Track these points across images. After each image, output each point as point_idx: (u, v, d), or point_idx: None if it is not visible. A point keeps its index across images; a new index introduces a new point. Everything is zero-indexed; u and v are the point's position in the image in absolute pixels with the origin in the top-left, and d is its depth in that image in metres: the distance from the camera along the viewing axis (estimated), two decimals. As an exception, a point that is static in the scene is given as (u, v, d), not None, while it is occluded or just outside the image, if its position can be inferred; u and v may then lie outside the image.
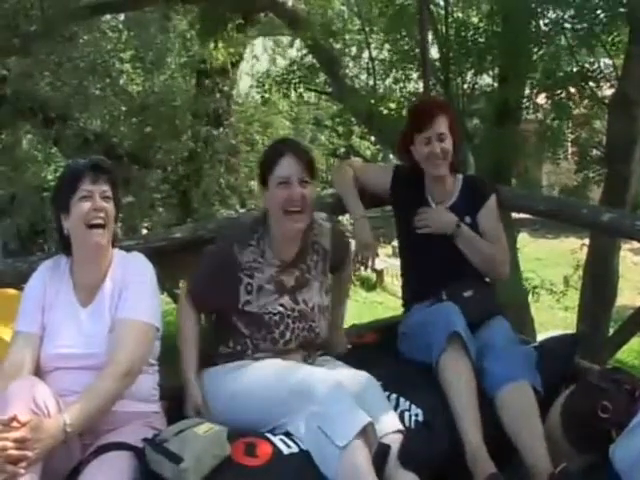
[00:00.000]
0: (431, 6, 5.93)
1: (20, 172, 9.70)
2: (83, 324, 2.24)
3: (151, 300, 2.29)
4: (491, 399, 2.44)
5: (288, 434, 2.16)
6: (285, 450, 2.10)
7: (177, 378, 2.64)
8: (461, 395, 2.38)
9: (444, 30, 6.04)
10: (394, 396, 2.41)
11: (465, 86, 6.28)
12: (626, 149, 5.41)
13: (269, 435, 2.16)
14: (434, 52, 6.31)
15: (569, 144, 7.09)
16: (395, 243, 3.11)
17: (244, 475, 2.02)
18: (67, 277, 2.30)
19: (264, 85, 8.77)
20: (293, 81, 8.23)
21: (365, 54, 7.69)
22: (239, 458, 2.05)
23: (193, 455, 1.96)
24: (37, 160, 10.02)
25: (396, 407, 2.37)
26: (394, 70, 7.19)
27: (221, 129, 9.72)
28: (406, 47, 6.58)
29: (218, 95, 9.57)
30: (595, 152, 6.62)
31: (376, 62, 7.40)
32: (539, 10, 5.66)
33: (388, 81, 7.34)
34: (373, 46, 7.57)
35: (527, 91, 6.12)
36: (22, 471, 1.86)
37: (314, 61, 7.82)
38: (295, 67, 8.36)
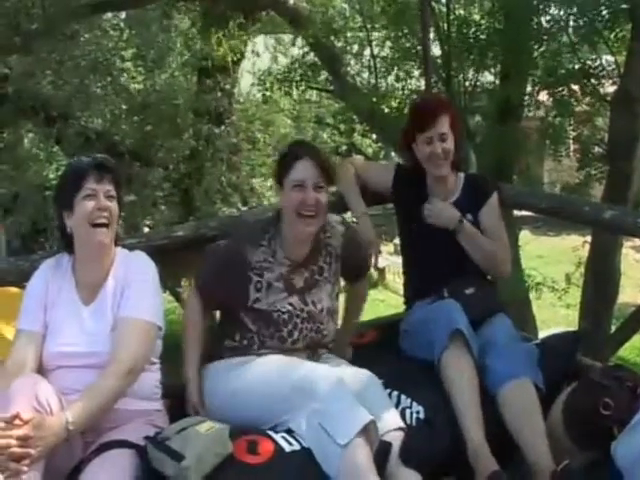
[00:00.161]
0: (433, 3, 5.92)
1: (22, 171, 9.69)
2: (85, 322, 2.24)
3: (153, 299, 2.29)
4: (493, 396, 2.44)
5: (290, 431, 2.17)
6: (287, 448, 2.10)
7: (179, 376, 2.65)
8: (463, 393, 2.38)
9: (446, 27, 6.03)
10: (395, 393, 2.42)
11: (467, 83, 6.27)
12: (628, 146, 5.41)
13: (271, 433, 2.16)
14: (436, 49, 6.30)
15: (571, 141, 7.08)
16: (397, 241, 3.12)
17: (246, 473, 2.03)
18: (69, 275, 2.31)
19: (265, 83, 8.76)
20: (295, 79, 8.23)
21: (367, 52, 7.67)
22: (241, 456, 2.05)
23: (195, 453, 1.96)
24: (39, 159, 10.01)
25: (397, 405, 2.38)
26: (396, 68, 7.18)
27: (222, 127, 9.71)
28: (408, 45, 6.57)
29: (219, 93, 9.55)
30: (597, 149, 6.62)
31: (378, 60, 7.38)
32: (541, 7, 5.65)
33: (390, 79, 7.32)
34: (375, 44, 7.56)
35: (529, 88, 6.11)
36: (25, 469, 1.86)
37: (315, 59, 7.81)
38: (297, 65, 8.35)
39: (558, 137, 6.39)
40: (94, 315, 2.25)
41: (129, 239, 2.83)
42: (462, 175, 2.94)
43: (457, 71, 6.15)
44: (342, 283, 2.67)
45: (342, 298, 2.73)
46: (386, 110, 6.86)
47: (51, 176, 9.56)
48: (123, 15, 9.61)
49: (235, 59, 8.94)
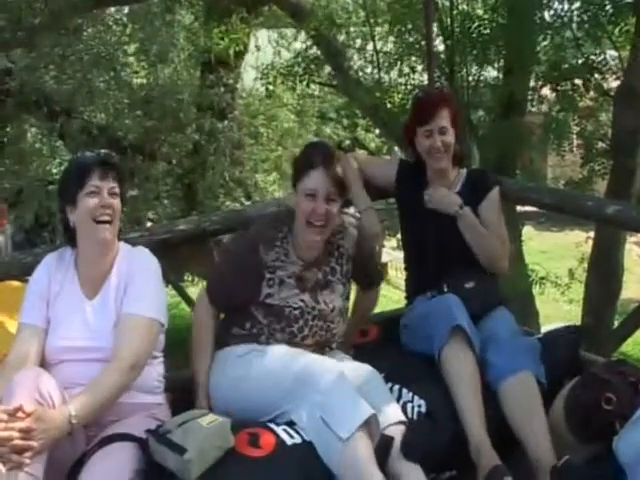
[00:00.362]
0: (436, -2, 5.92)
1: (25, 165, 9.70)
2: (88, 317, 2.24)
3: (156, 295, 2.29)
4: (495, 392, 2.44)
5: (291, 424, 2.17)
6: (288, 441, 2.11)
7: (182, 370, 2.66)
8: (464, 388, 2.38)
9: (449, 22, 6.03)
10: (397, 387, 2.42)
11: (470, 78, 6.26)
12: (632, 142, 5.41)
13: (272, 425, 2.17)
14: (439, 44, 6.30)
15: (574, 137, 7.08)
16: (400, 236, 3.12)
17: (248, 466, 2.03)
18: (72, 270, 2.31)
19: (269, 77, 8.75)
20: (298, 73, 8.22)
21: (370, 46, 7.66)
22: (242, 449, 2.06)
23: (196, 446, 1.96)
24: (42, 153, 10.02)
25: (399, 398, 2.38)
26: (399, 63, 7.17)
27: (226, 122, 9.70)
28: (411, 39, 6.56)
29: (222, 88, 9.54)
30: (601, 145, 6.61)
31: (381, 55, 7.38)
32: (544, 1, 5.64)
33: (393, 74, 7.31)
34: (378, 38, 7.55)
35: (532, 83, 6.10)
36: (27, 461, 1.87)
37: (319, 53, 7.81)
38: (300, 59, 8.34)
39: (561, 132, 6.38)
40: (97, 310, 2.25)
41: (131, 233, 2.84)
42: (464, 171, 2.94)
43: (460, 66, 6.14)
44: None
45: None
46: (389, 105, 6.86)
47: (54, 171, 9.58)
48: (126, 10, 9.61)
49: (238, 50, 8.92)
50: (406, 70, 7.13)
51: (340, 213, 2.52)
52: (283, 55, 10.11)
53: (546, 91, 6.31)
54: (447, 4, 6.18)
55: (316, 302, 2.45)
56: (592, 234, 6.13)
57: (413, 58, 6.95)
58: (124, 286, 2.26)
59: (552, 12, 5.73)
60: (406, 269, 3.05)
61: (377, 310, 3.40)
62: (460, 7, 6.43)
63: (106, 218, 2.21)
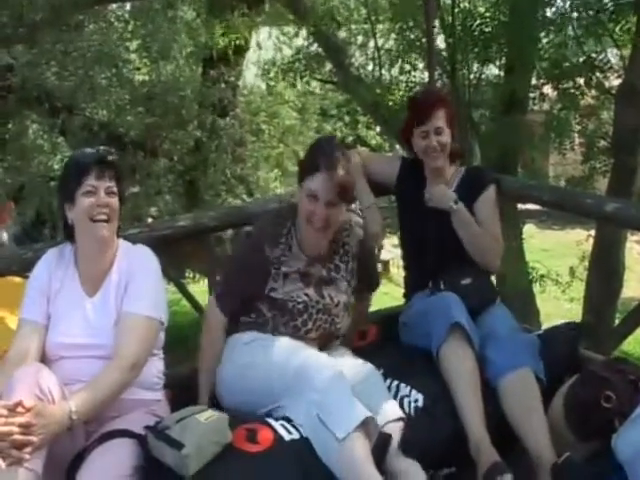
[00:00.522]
0: (437, -5, 5.91)
1: (27, 161, 9.70)
2: (88, 314, 2.25)
3: (156, 294, 2.30)
4: (494, 388, 2.44)
5: (289, 419, 2.18)
6: (286, 436, 2.11)
7: (182, 366, 2.66)
8: (463, 385, 2.38)
9: (450, 19, 6.02)
10: (395, 383, 2.43)
11: (471, 76, 6.25)
12: (633, 140, 5.40)
13: (270, 421, 2.18)
14: (441, 42, 6.29)
15: (576, 135, 7.07)
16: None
17: (245, 461, 2.04)
18: (72, 266, 2.31)
19: (269, 73, 8.74)
20: (299, 70, 8.21)
21: (371, 44, 7.66)
22: (240, 444, 2.07)
23: (194, 442, 1.97)
24: (43, 150, 10.01)
25: (396, 393, 2.39)
26: (400, 60, 7.16)
27: (227, 119, 9.70)
28: (412, 37, 6.56)
29: (223, 85, 9.54)
30: (602, 143, 6.60)
31: (382, 52, 7.37)
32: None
33: (394, 71, 7.31)
34: (379, 35, 7.54)
35: (534, 81, 6.09)
36: (27, 456, 1.88)
37: (320, 50, 7.80)
38: (300, 56, 8.33)
39: (562, 130, 6.38)
40: (97, 307, 2.26)
41: (131, 229, 2.84)
42: (462, 168, 2.95)
43: (462, 64, 6.13)
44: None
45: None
46: (390, 102, 6.85)
47: (56, 167, 9.56)
48: (128, 6, 9.60)
49: (239, 47, 8.91)
50: (407, 67, 7.12)
51: (347, 211, 2.52)
52: (285, 52, 10.10)
53: (548, 89, 6.29)
54: (449, 1, 6.16)
55: (321, 297, 2.45)
56: (593, 232, 6.13)
57: (414, 55, 6.94)
58: (124, 284, 2.26)
59: (554, 9, 5.73)
60: (404, 267, 3.05)
61: (377, 307, 3.42)
62: (462, 5, 6.42)
63: (103, 217, 2.21)
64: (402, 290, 3.05)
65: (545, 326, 4.67)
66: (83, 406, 2.00)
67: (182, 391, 2.44)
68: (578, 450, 2.26)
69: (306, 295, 2.43)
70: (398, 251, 3.01)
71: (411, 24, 6.40)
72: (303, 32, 8.37)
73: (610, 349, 5.32)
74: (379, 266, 11.44)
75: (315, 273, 2.46)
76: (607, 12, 5.30)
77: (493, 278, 3.02)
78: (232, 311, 2.48)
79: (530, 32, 5.39)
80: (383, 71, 7.26)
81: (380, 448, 2.12)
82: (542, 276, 6.67)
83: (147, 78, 9.99)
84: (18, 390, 1.95)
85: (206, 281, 3.60)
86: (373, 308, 3.39)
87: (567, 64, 5.88)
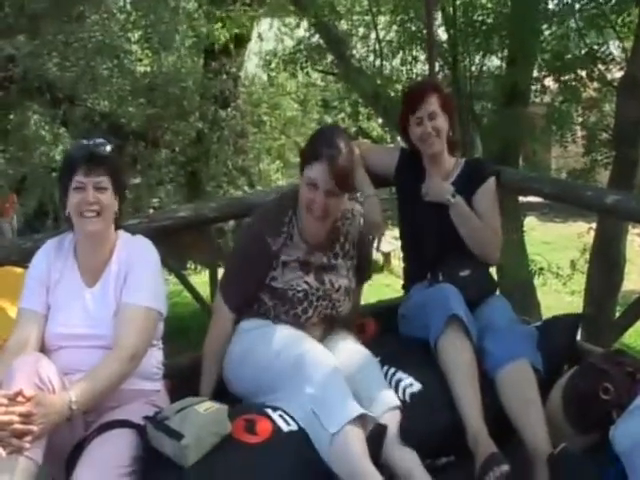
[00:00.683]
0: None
1: (29, 152, 9.72)
2: (88, 305, 2.25)
3: (155, 285, 2.30)
4: (492, 380, 2.44)
5: (287, 411, 2.18)
6: (285, 427, 2.12)
7: (182, 357, 2.67)
8: (461, 376, 2.38)
9: (452, 11, 6.00)
10: (392, 370, 2.43)
11: (473, 68, 6.24)
12: (634, 132, 5.39)
13: (269, 411, 2.18)
14: (442, 34, 6.27)
15: (578, 128, 7.06)
16: (401, 225, 3.14)
17: (244, 452, 2.04)
18: (72, 257, 2.32)
19: (270, 64, 8.73)
20: (300, 61, 8.20)
21: (373, 35, 7.64)
22: (239, 435, 2.07)
23: (194, 432, 1.98)
24: (45, 140, 10.02)
25: (391, 379, 2.40)
26: (401, 52, 7.15)
27: (229, 110, 9.70)
28: (414, 28, 6.54)
29: (225, 77, 9.53)
30: (604, 135, 6.59)
31: (383, 43, 7.35)
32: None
33: (395, 62, 7.30)
34: (380, 27, 7.53)
35: (535, 73, 6.08)
36: (27, 445, 1.88)
37: (321, 41, 7.78)
38: (302, 47, 8.32)
39: (564, 122, 6.36)
40: (97, 298, 2.26)
41: (131, 219, 2.83)
42: (462, 160, 2.94)
43: (463, 55, 6.12)
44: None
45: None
46: (391, 94, 6.84)
47: (57, 157, 9.57)
48: (129, -4, 9.60)
49: (241, 37, 8.90)
50: (408, 59, 7.11)
51: (349, 200, 2.51)
52: (286, 43, 10.09)
53: (549, 82, 6.28)
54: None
55: (321, 283, 2.46)
56: (594, 225, 6.13)
57: (416, 47, 6.92)
58: (124, 275, 2.27)
59: (555, 1, 5.71)
60: (403, 258, 3.05)
61: (378, 299, 3.42)
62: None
63: (91, 214, 2.21)
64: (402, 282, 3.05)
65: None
66: (83, 396, 2.01)
67: (182, 381, 2.45)
68: (576, 442, 2.26)
69: (306, 283, 2.43)
70: (399, 243, 3.00)
71: (412, 15, 6.37)
72: (304, 23, 8.35)
73: (611, 342, 5.33)
74: (380, 258, 11.47)
75: (315, 261, 2.46)
76: (609, 4, 5.27)
77: (493, 270, 3.02)
78: (238, 304, 2.48)
79: (532, 24, 5.38)
80: (384, 62, 7.24)
81: (375, 439, 2.12)
82: (541, 269, 6.67)
83: (149, 69, 10.00)
84: (18, 379, 1.95)
85: (207, 272, 3.60)
86: (373, 300, 3.40)
87: (569, 56, 5.86)
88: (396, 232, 3.07)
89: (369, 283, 2.84)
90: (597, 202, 3.06)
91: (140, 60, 10.09)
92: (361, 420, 2.10)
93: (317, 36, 7.80)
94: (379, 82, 6.73)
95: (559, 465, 2.17)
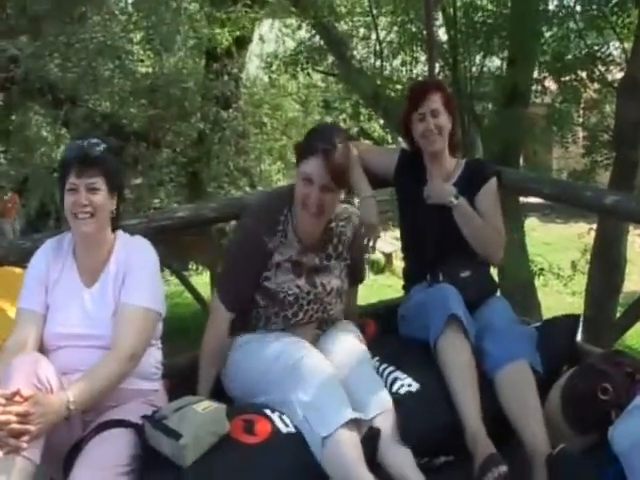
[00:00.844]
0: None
1: (30, 153, 9.73)
2: (87, 305, 2.26)
3: (153, 286, 2.30)
4: (491, 380, 2.44)
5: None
6: (283, 429, 2.12)
7: (180, 357, 2.67)
8: (460, 377, 2.38)
9: (452, 12, 6.00)
10: (390, 369, 2.43)
11: (473, 69, 6.25)
12: (634, 133, 5.39)
13: (268, 412, 2.18)
14: (443, 35, 6.28)
15: (580, 128, 7.06)
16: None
17: (242, 452, 2.05)
18: (71, 257, 2.32)
19: (272, 66, 8.74)
20: (300, 62, 8.21)
21: (373, 36, 7.65)
22: (238, 435, 2.08)
23: (192, 432, 1.98)
24: (47, 141, 10.04)
25: (387, 377, 2.40)
26: (402, 52, 7.16)
27: (230, 111, 9.71)
28: (414, 29, 6.55)
29: (226, 78, 9.54)
30: (605, 137, 6.59)
31: (384, 44, 7.36)
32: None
33: (395, 63, 7.30)
34: (380, 28, 7.53)
35: (536, 74, 6.08)
36: (24, 445, 1.88)
37: (321, 43, 7.79)
38: (302, 48, 8.33)
39: (564, 123, 6.37)
40: (95, 298, 2.27)
41: (130, 219, 2.83)
42: (463, 161, 2.95)
43: (464, 56, 6.12)
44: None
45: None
46: (391, 94, 6.84)
47: (59, 158, 9.58)
48: (131, -2, 9.62)
49: (242, 39, 8.91)
50: (409, 60, 7.12)
51: (345, 202, 2.52)
52: (287, 44, 10.10)
53: (549, 83, 6.28)
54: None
55: (312, 286, 2.45)
56: (595, 226, 6.13)
57: (416, 48, 6.93)
58: (122, 275, 2.27)
59: (556, 2, 5.71)
60: (404, 259, 3.05)
61: (379, 300, 3.42)
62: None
63: (84, 216, 2.21)
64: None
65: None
66: (81, 396, 2.01)
67: (180, 381, 2.45)
68: (575, 443, 2.26)
69: (297, 287, 2.43)
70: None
71: (412, 16, 6.38)
72: (305, 25, 8.36)
73: (611, 342, 5.33)
74: (382, 259, 11.46)
75: (307, 262, 2.46)
76: (609, 5, 5.27)
77: (494, 271, 3.02)
78: (235, 303, 2.47)
79: (532, 25, 5.38)
80: (384, 63, 7.25)
81: (369, 441, 2.12)
82: (542, 269, 6.67)
83: (150, 70, 10.01)
84: (16, 379, 1.96)
85: (209, 273, 3.60)
86: (374, 300, 3.40)
87: (569, 57, 5.86)
88: (397, 233, 3.07)
89: (371, 284, 2.84)
90: (596, 203, 3.06)
91: (142, 61, 10.09)
92: (355, 424, 2.10)
93: (317, 37, 7.81)
94: (379, 83, 6.73)
95: (557, 466, 2.17)
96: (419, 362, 2.48)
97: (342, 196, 2.46)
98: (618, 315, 5.95)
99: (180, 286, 4.71)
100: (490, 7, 6.13)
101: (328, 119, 12.18)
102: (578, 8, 5.58)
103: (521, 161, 7.17)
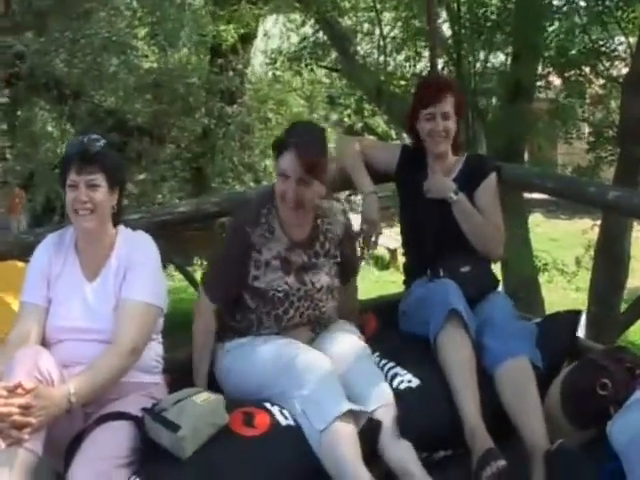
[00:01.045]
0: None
1: (35, 148, 9.76)
2: (88, 298, 2.27)
3: (154, 281, 2.31)
4: (491, 376, 2.44)
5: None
6: (283, 422, 2.13)
7: (180, 351, 2.68)
8: (460, 372, 2.38)
9: (456, 7, 5.99)
10: (390, 364, 2.43)
11: (477, 64, 6.24)
12: (639, 129, 5.36)
13: (267, 405, 2.19)
14: (447, 30, 6.27)
15: (585, 124, 7.04)
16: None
17: (241, 445, 2.06)
18: (72, 251, 2.33)
19: (276, 62, 8.73)
20: (304, 58, 8.20)
21: (377, 31, 7.63)
22: (237, 428, 2.09)
23: (190, 423, 1.99)
24: (52, 137, 10.07)
25: (387, 373, 2.40)
26: (406, 48, 7.15)
27: (235, 107, 9.71)
28: (418, 25, 6.54)
29: (231, 73, 9.55)
30: (611, 132, 6.57)
31: (387, 40, 7.35)
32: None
33: (399, 58, 7.29)
34: (384, 23, 7.52)
35: (540, 69, 6.06)
36: (26, 437, 1.90)
37: (325, 38, 7.79)
38: (306, 43, 8.32)
39: (568, 118, 6.35)
40: (97, 292, 2.28)
41: (132, 214, 2.84)
42: (463, 156, 2.94)
43: (468, 52, 6.11)
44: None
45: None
46: (394, 89, 6.84)
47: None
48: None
49: (246, 34, 8.91)
50: (413, 55, 7.11)
51: (329, 199, 2.51)
52: (292, 40, 10.09)
53: (553, 78, 6.27)
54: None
55: (302, 283, 2.44)
56: (599, 222, 6.11)
57: (420, 43, 6.92)
58: (124, 270, 2.28)
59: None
60: (404, 254, 3.05)
61: (379, 294, 3.42)
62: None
63: (84, 212, 2.23)
64: (407, 278, 3.05)
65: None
66: (82, 389, 2.02)
67: (181, 375, 2.44)
68: (574, 438, 2.27)
69: (286, 284, 2.42)
70: (404, 239, 2.99)
71: (416, 12, 6.37)
72: (310, 20, 8.36)
73: (615, 338, 5.33)
74: (386, 254, 11.44)
75: (295, 260, 2.45)
76: (614, 0, 5.26)
77: (496, 267, 3.01)
78: (219, 295, 2.48)
79: (536, 20, 5.36)
80: (388, 59, 7.23)
81: (368, 434, 2.13)
82: (545, 264, 6.66)
83: (155, 65, 10.02)
84: (18, 372, 1.97)
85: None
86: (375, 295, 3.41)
87: (573, 52, 5.84)
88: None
89: (376, 280, 2.84)
90: (600, 198, 3.04)
91: (146, 56, 10.12)
92: (352, 416, 2.11)
93: (321, 33, 7.80)
94: (383, 78, 6.72)
95: (556, 461, 2.17)
96: (419, 358, 2.47)
97: (323, 188, 2.43)
98: (622, 311, 5.94)
99: (185, 281, 4.71)
100: (494, 2, 6.11)
101: (333, 115, 12.19)
102: (582, 3, 5.56)
103: (526, 157, 7.15)
